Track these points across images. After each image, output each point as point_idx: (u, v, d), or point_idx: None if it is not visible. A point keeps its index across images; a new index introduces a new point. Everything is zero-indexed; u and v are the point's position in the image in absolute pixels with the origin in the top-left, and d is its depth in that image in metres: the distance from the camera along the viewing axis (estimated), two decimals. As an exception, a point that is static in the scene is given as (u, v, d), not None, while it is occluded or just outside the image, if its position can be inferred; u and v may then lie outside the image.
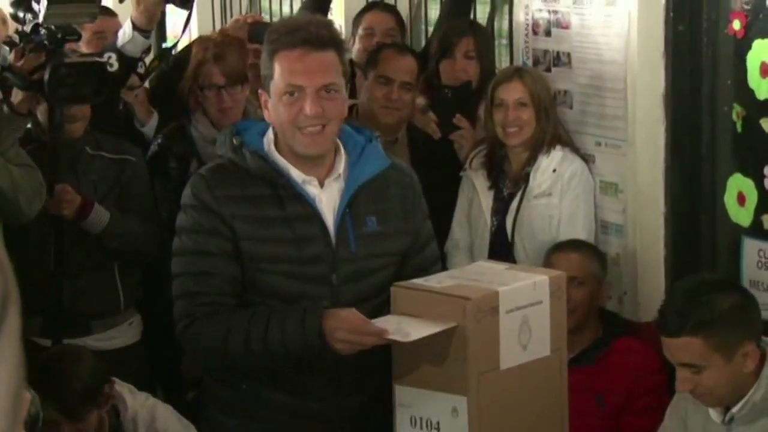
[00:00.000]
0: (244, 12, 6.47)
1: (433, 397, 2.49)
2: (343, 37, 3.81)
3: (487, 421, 2.48)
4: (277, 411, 2.67)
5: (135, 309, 3.85)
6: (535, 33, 3.94)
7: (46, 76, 3.40)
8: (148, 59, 3.87)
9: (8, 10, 3.91)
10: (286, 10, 5.94)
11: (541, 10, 3.90)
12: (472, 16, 4.54)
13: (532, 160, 3.68)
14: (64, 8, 3.44)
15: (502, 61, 4.45)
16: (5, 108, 3.51)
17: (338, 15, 5.30)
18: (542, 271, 2.75)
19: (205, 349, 2.64)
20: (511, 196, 3.72)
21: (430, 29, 4.85)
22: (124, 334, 3.80)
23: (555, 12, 3.84)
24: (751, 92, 3.25)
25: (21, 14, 3.69)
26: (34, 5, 3.55)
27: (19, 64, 3.54)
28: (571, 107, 3.81)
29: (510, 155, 3.74)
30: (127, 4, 3.79)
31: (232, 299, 2.62)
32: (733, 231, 3.39)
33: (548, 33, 3.88)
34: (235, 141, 2.66)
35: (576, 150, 3.72)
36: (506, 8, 4.30)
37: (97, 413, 3.00)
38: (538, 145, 3.67)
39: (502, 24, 4.54)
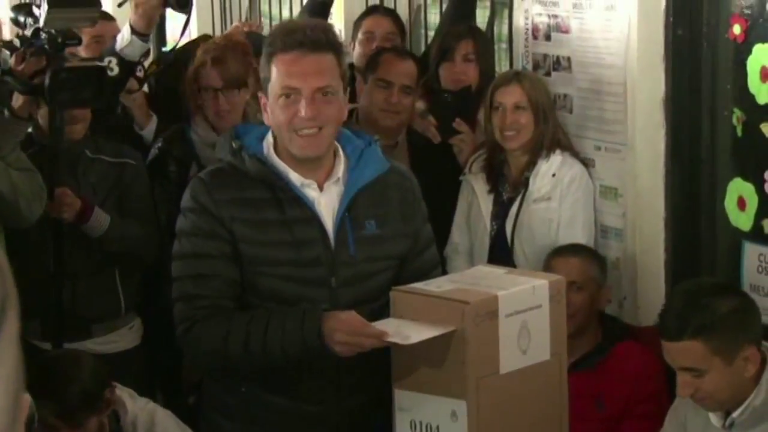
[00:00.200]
0: (244, 15, 6.48)
1: (432, 401, 2.49)
2: (343, 41, 3.82)
3: (486, 426, 2.48)
4: (276, 414, 2.68)
5: (135, 313, 3.85)
6: (534, 37, 3.94)
7: (47, 80, 3.41)
8: (146, 63, 3.87)
9: (9, 14, 3.91)
10: (285, 13, 5.94)
11: (540, 15, 3.91)
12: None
13: (531, 164, 3.69)
14: (64, 12, 3.45)
15: (501, 66, 4.45)
16: (6, 112, 3.51)
17: (338, 19, 5.30)
18: (542, 276, 2.75)
19: (205, 352, 2.64)
20: (511, 201, 3.72)
21: (430, 34, 4.85)
22: (125, 337, 3.80)
23: (555, 16, 3.84)
24: (752, 97, 3.25)
25: (22, 18, 3.70)
26: (35, 9, 3.56)
27: (19, 68, 3.54)
28: (570, 111, 3.81)
29: (509, 159, 3.74)
30: (125, 8, 3.80)
31: (231, 302, 2.62)
32: (733, 235, 3.39)
33: (548, 37, 3.88)
34: (234, 144, 2.67)
35: (576, 154, 3.72)
36: (506, 12, 4.30)
37: (96, 419, 2.99)
38: (537, 149, 3.67)
39: (501, 28, 4.55)
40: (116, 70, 3.63)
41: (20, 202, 3.33)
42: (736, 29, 3.29)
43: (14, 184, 3.31)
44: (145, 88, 4.14)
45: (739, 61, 3.30)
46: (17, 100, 3.54)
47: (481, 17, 4.61)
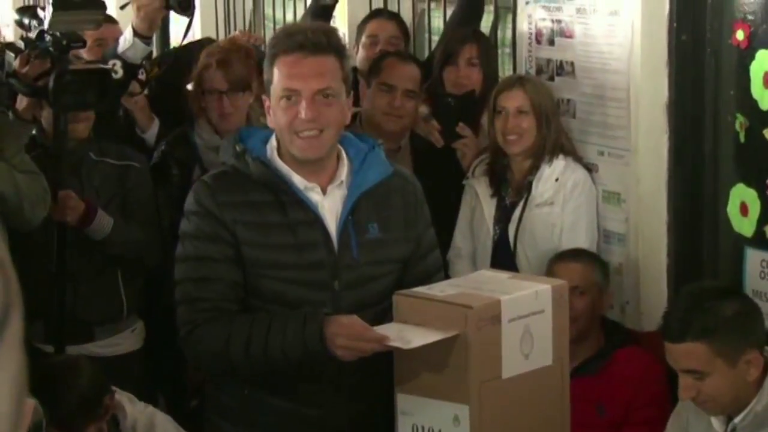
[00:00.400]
0: (248, 18, 6.49)
1: (434, 405, 2.49)
2: (346, 44, 3.82)
3: (488, 430, 2.48)
4: (278, 417, 2.68)
5: (138, 316, 3.85)
6: (538, 42, 3.95)
7: (51, 83, 3.41)
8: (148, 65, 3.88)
9: (14, 16, 3.92)
10: (289, 17, 5.95)
11: (544, 20, 3.91)
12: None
13: (534, 168, 3.69)
14: (69, 15, 3.46)
15: (505, 70, 4.45)
16: (10, 114, 3.51)
17: (342, 22, 5.30)
18: (544, 280, 2.75)
19: (207, 355, 2.64)
20: (514, 205, 3.72)
21: (434, 38, 4.85)
22: (127, 340, 3.80)
23: (558, 21, 3.84)
24: (754, 102, 3.25)
25: (26, 21, 3.71)
26: (40, 12, 3.57)
27: (24, 70, 3.55)
28: (574, 116, 3.81)
29: (512, 164, 3.74)
30: (127, 10, 3.80)
31: (234, 305, 2.62)
32: (735, 241, 3.38)
33: (551, 42, 3.88)
34: (238, 148, 2.67)
35: (579, 159, 3.72)
36: (509, 17, 4.30)
37: (96, 426, 2.97)
38: (540, 154, 3.67)
39: (505, 33, 4.55)
40: (121, 72, 3.64)
41: (24, 205, 3.33)
42: (740, 35, 3.29)
43: (18, 187, 3.31)
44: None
45: (742, 66, 3.30)
46: (21, 102, 3.55)
47: (485, 22, 4.61)
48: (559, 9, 3.83)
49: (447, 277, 3.02)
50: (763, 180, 3.25)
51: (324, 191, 2.66)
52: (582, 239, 3.64)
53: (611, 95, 3.65)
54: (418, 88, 3.97)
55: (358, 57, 4.47)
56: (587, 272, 3.48)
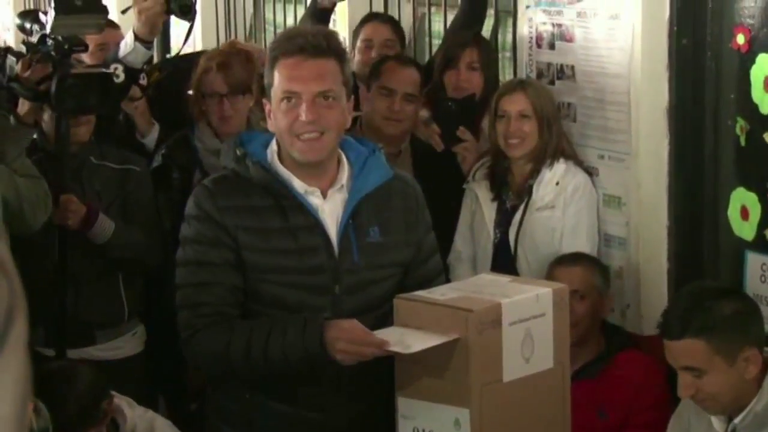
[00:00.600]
0: (248, 23, 6.49)
1: (435, 409, 2.49)
2: (347, 48, 3.82)
3: (489, 434, 2.49)
4: (279, 420, 2.68)
5: (139, 319, 3.85)
6: (538, 46, 3.95)
7: (53, 87, 3.41)
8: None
9: (15, 20, 3.93)
10: (290, 21, 5.95)
11: (545, 23, 3.91)
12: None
13: (535, 172, 3.69)
14: (71, 19, 3.46)
15: (505, 74, 4.45)
16: (12, 119, 3.52)
17: (342, 27, 5.31)
18: (545, 284, 2.75)
19: (208, 359, 2.65)
20: (514, 209, 3.72)
21: (434, 42, 4.85)
22: (128, 344, 3.80)
23: (559, 25, 3.85)
24: (755, 106, 3.25)
25: (28, 25, 3.71)
26: (42, 16, 3.57)
27: (25, 74, 3.55)
28: (574, 120, 3.82)
29: (513, 167, 3.75)
30: (129, 15, 3.81)
31: (234, 309, 2.63)
32: (736, 245, 3.39)
33: (552, 46, 3.89)
34: (238, 152, 2.68)
35: (579, 163, 3.72)
36: (510, 21, 4.31)
37: (95, 430, 2.97)
38: (541, 158, 3.68)
39: (505, 37, 4.55)
40: (122, 77, 3.64)
41: (25, 209, 3.34)
42: (740, 39, 3.30)
43: (19, 191, 3.31)
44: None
45: (742, 70, 3.30)
46: (23, 106, 3.55)
47: (486, 26, 4.61)
48: (559, 13, 3.84)
49: (447, 280, 3.03)
50: (764, 184, 3.25)
51: (324, 195, 2.66)
52: (582, 243, 3.65)
53: (612, 99, 3.65)
54: (418, 91, 3.97)
55: (354, 61, 4.47)
56: (587, 276, 3.49)
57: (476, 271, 3.65)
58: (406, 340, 2.45)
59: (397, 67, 3.99)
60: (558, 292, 2.61)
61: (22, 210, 3.33)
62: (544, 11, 3.90)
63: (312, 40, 2.60)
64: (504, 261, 3.67)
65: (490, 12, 4.52)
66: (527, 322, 2.52)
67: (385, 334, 2.49)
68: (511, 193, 3.75)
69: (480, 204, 3.78)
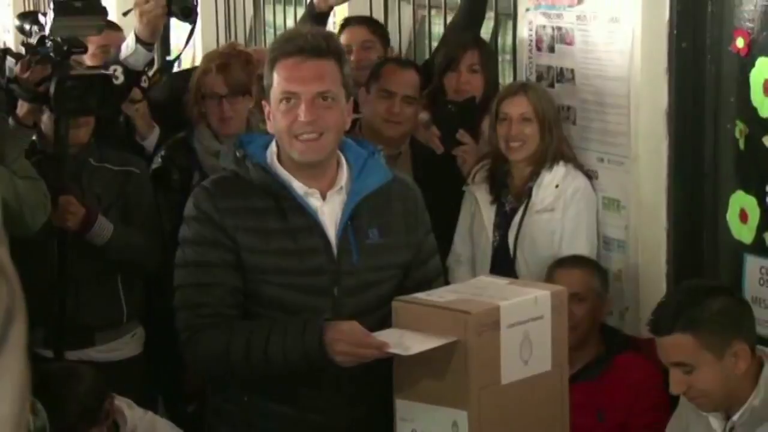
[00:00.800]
0: (248, 25, 6.49)
1: (433, 411, 2.49)
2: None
3: (487, 436, 2.49)
4: (278, 423, 2.68)
5: (138, 321, 3.85)
6: (538, 49, 3.95)
7: (52, 88, 3.42)
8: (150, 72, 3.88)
9: (14, 22, 3.93)
10: (290, 23, 5.95)
11: (544, 26, 3.91)
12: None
13: (534, 175, 3.69)
14: (70, 21, 3.46)
15: (505, 77, 4.45)
16: (11, 120, 3.52)
17: (342, 29, 5.30)
18: (544, 286, 2.75)
19: (207, 361, 2.64)
20: (514, 211, 3.72)
21: (435, 44, 4.85)
22: (127, 345, 3.80)
23: (559, 28, 3.85)
24: (754, 110, 3.26)
25: (27, 26, 3.71)
26: (41, 17, 3.57)
27: (25, 75, 3.55)
28: (574, 123, 3.82)
29: (513, 170, 3.75)
30: (130, 17, 3.81)
31: (234, 310, 2.63)
32: (735, 248, 3.39)
33: (552, 49, 3.89)
34: (238, 153, 2.68)
35: (579, 166, 3.73)
36: (510, 24, 4.31)
37: (97, 430, 2.97)
38: (541, 161, 3.68)
39: (505, 40, 4.55)
40: (121, 78, 3.64)
41: (24, 211, 3.33)
42: (740, 42, 3.30)
43: (18, 193, 3.31)
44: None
45: (742, 74, 3.30)
46: (22, 107, 3.55)
47: (485, 28, 4.61)
48: (559, 16, 3.84)
49: (447, 283, 3.03)
50: (763, 187, 3.26)
51: (324, 197, 2.66)
52: (582, 246, 3.65)
53: (611, 102, 3.66)
54: (418, 94, 3.97)
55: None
56: (586, 279, 3.49)
57: (475, 273, 3.65)
58: (405, 341, 2.45)
59: (396, 70, 4.00)
60: (557, 294, 2.61)
61: (21, 212, 3.33)
62: (544, 14, 3.91)
63: (311, 41, 2.60)
64: (503, 263, 3.67)
65: (490, 14, 4.52)
66: (526, 325, 2.52)
67: (384, 335, 2.49)
68: (511, 195, 3.75)
69: (479, 206, 3.78)
